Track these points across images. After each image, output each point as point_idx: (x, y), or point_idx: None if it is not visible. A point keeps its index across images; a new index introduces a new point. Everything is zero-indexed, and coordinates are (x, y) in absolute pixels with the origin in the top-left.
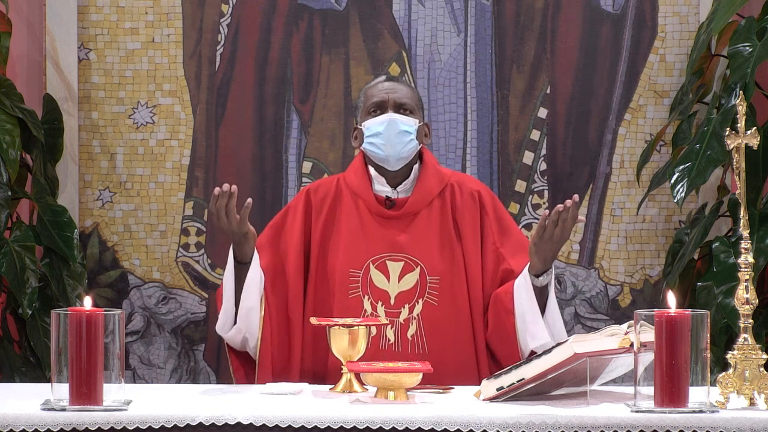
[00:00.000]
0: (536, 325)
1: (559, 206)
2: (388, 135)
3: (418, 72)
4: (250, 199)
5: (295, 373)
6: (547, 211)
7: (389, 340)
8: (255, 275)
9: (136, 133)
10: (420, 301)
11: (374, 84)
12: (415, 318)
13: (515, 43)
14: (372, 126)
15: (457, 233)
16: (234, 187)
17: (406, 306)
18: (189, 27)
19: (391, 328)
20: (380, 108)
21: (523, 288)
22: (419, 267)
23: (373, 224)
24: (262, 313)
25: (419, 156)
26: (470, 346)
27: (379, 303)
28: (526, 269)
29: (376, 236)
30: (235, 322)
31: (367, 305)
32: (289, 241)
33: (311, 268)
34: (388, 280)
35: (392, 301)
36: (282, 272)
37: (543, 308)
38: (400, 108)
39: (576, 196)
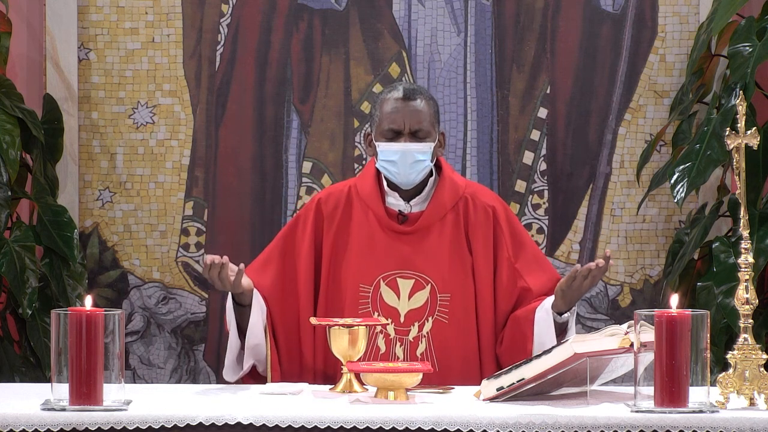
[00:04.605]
0: None
1: (591, 264)
2: (402, 164)
3: (418, 72)
4: (242, 264)
5: (309, 377)
6: (579, 265)
7: (398, 358)
8: (256, 317)
9: (136, 133)
10: (430, 318)
11: (390, 97)
12: (424, 336)
13: (515, 43)
14: (386, 152)
15: (469, 248)
16: (225, 258)
17: (416, 324)
18: (189, 27)
19: (401, 346)
20: (395, 133)
21: (544, 323)
22: (430, 285)
23: (384, 239)
24: (268, 343)
25: (436, 166)
26: (477, 362)
27: (389, 320)
28: (549, 304)
29: (386, 252)
30: (242, 367)
31: None
32: (298, 251)
33: (322, 280)
34: (398, 298)
35: (402, 319)
36: (290, 286)
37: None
38: (416, 133)
39: (608, 251)
